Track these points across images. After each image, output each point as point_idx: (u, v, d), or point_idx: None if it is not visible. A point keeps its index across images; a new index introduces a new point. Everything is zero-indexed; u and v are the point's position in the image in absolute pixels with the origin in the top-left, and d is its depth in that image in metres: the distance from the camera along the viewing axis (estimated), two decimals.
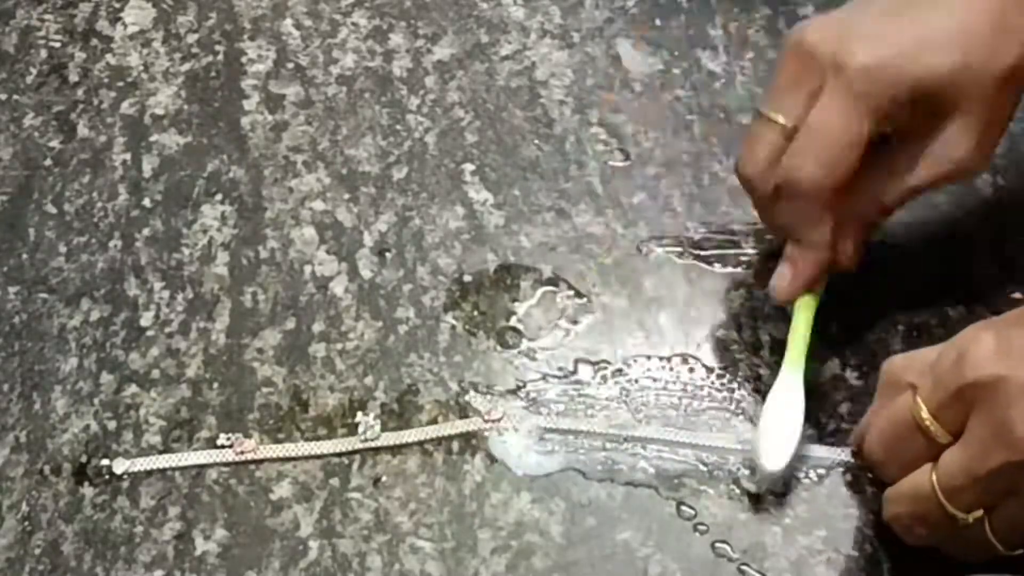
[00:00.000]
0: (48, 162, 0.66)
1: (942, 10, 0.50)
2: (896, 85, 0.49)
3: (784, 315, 0.56)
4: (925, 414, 0.46)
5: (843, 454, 0.53)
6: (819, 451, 0.53)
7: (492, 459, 0.54)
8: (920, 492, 0.46)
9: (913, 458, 0.47)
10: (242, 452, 0.54)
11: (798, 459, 0.52)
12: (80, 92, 0.69)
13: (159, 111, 0.68)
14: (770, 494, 0.52)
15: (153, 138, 0.67)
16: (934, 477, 0.45)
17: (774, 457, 0.51)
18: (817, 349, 0.54)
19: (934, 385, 0.46)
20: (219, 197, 0.64)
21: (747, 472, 0.52)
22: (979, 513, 0.45)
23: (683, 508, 0.52)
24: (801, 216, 0.53)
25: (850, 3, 0.53)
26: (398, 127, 0.67)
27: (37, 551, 0.52)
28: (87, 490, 0.53)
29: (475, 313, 0.59)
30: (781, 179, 0.52)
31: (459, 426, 0.54)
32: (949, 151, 0.51)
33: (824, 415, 0.54)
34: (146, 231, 0.63)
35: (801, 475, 0.52)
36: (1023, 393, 0.42)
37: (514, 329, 0.58)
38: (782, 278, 0.54)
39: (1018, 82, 0.50)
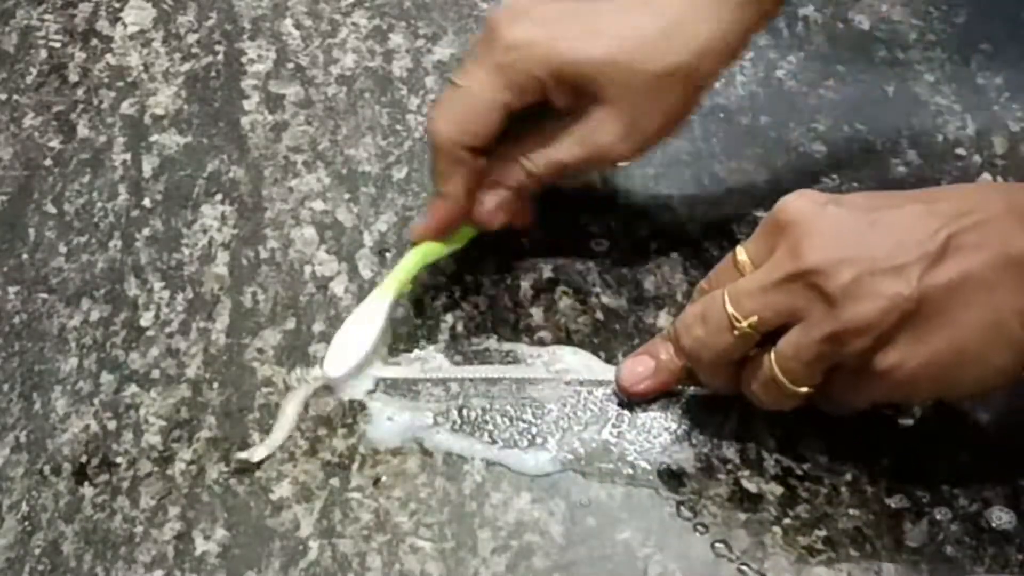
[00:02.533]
0: (48, 162, 0.66)
1: (626, 8, 0.54)
2: (538, 64, 0.53)
3: None
4: (741, 251, 0.50)
5: None
6: None
7: (489, 462, 0.54)
8: (712, 296, 0.50)
9: (720, 283, 0.51)
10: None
11: (365, 374, 0.56)
12: (80, 92, 0.69)
13: (159, 111, 0.68)
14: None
15: (153, 138, 0.67)
16: (725, 291, 0.49)
17: (334, 366, 0.55)
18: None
19: (757, 229, 0.50)
20: (219, 197, 0.64)
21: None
22: (754, 320, 0.48)
23: (683, 508, 0.52)
24: (435, 167, 0.56)
25: None
26: (398, 127, 0.67)
27: (37, 551, 0.52)
28: (87, 490, 0.53)
29: (475, 313, 0.59)
30: (426, 129, 0.56)
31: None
32: (593, 135, 0.54)
33: None
34: (146, 231, 0.63)
35: (799, 473, 0.53)
36: (814, 226, 0.47)
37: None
38: (419, 221, 0.59)
39: (678, 86, 0.53)
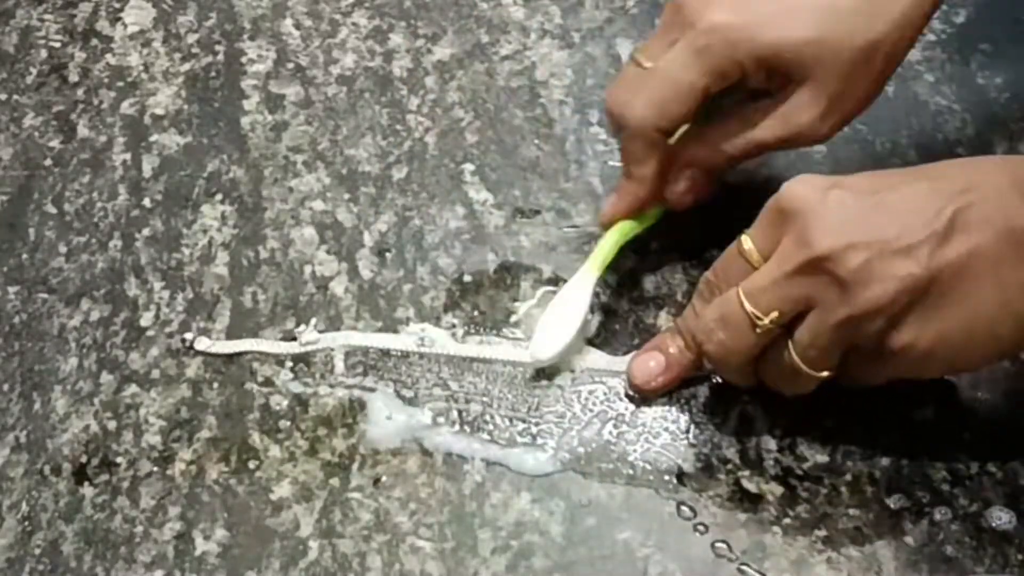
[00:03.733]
0: (48, 162, 0.66)
1: None
2: (740, 47, 0.52)
3: None
4: (746, 240, 0.50)
5: None
6: None
7: (488, 461, 0.54)
8: (728, 298, 0.50)
9: (730, 281, 0.51)
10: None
11: (574, 356, 0.56)
12: (80, 92, 0.69)
13: (159, 111, 0.68)
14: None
15: (153, 138, 0.67)
16: (740, 289, 0.50)
17: (543, 348, 0.55)
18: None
19: (759, 217, 0.50)
20: (219, 197, 0.64)
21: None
22: (775, 315, 0.48)
23: (683, 508, 0.52)
24: (627, 150, 0.56)
25: None
26: (398, 127, 0.67)
27: (37, 551, 0.52)
28: (87, 490, 0.53)
29: (475, 313, 0.59)
30: (617, 112, 0.55)
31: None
32: (795, 115, 0.54)
33: None
34: (146, 231, 0.63)
35: (799, 473, 0.53)
36: (819, 212, 0.47)
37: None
38: (608, 203, 0.58)
39: (879, 60, 0.53)
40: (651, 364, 0.55)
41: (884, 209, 0.47)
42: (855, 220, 0.47)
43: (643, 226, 0.59)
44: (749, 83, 0.54)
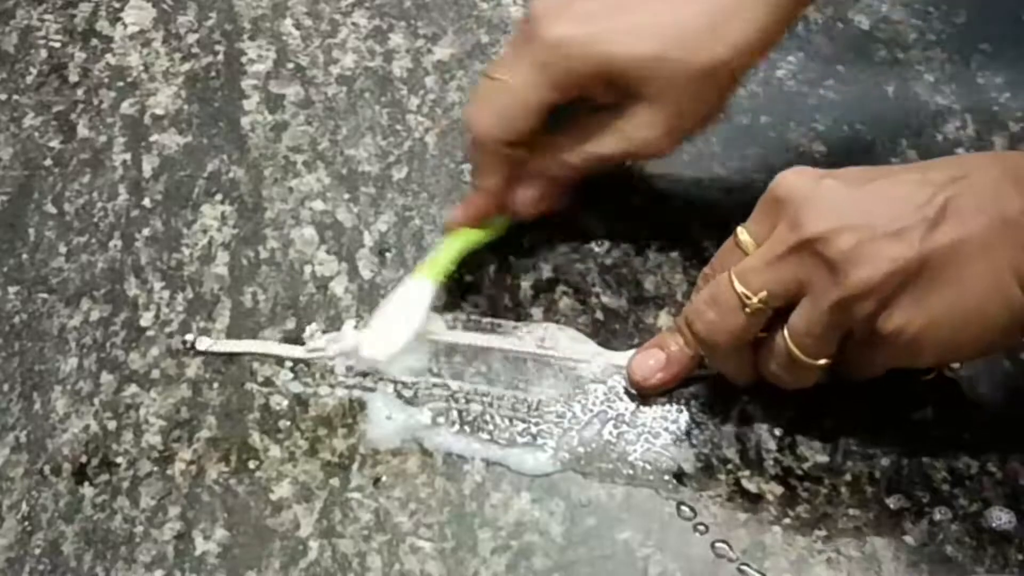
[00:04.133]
0: (48, 162, 0.66)
1: (663, 4, 0.53)
2: (579, 62, 0.53)
3: None
4: (742, 232, 0.51)
5: None
6: None
7: (488, 461, 0.54)
8: (719, 279, 0.50)
9: (724, 266, 0.51)
10: None
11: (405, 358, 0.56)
12: (80, 92, 0.69)
13: (159, 111, 0.68)
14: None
15: (153, 138, 0.67)
16: (732, 272, 0.50)
17: (377, 348, 0.54)
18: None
19: (755, 208, 0.51)
20: (219, 197, 0.64)
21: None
22: (764, 295, 0.49)
23: (683, 508, 0.52)
24: (475, 161, 0.58)
25: None
26: (398, 127, 0.67)
27: (37, 551, 0.52)
28: (87, 490, 0.53)
29: (475, 312, 0.59)
30: (467, 124, 0.57)
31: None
32: (634, 131, 0.55)
33: None
34: (146, 231, 0.63)
35: (799, 473, 0.53)
36: (811, 198, 0.48)
37: None
38: (454, 211, 0.59)
39: (719, 82, 0.54)
40: (651, 362, 0.55)
41: (876, 196, 0.48)
42: (847, 205, 0.48)
43: (488, 237, 0.59)
44: (596, 98, 0.55)
